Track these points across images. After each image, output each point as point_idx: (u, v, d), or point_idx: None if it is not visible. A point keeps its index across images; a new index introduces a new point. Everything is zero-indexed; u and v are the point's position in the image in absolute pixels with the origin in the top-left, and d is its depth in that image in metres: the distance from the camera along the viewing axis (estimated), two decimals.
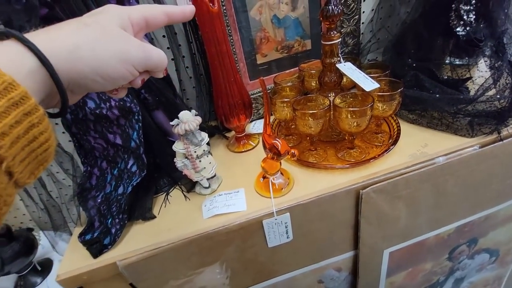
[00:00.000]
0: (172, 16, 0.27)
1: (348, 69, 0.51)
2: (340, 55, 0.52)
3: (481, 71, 0.56)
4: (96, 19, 0.22)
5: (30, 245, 0.67)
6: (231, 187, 0.53)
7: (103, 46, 0.21)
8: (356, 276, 0.63)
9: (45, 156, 0.18)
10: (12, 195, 0.16)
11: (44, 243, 0.76)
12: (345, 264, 0.61)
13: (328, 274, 0.62)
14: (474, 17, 0.52)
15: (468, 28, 0.53)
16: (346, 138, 0.53)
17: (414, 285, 0.71)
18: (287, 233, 0.49)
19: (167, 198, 0.54)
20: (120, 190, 0.49)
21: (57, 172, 0.59)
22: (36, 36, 0.19)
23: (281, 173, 0.51)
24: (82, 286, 0.46)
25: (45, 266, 0.75)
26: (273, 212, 0.46)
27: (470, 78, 0.57)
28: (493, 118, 0.51)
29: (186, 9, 0.28)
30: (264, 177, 0.51)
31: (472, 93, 0.55)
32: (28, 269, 0.69)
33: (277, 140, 0.45)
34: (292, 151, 0.45)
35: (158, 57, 0.25)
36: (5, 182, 0.15)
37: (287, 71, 0.67)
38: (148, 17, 0.25)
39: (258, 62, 0.67)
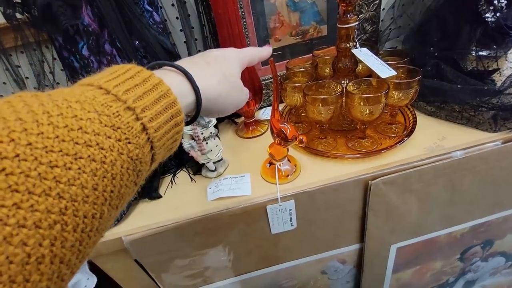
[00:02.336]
0: (261, 58, 0.35)
1: (364, 55, 0.49)
2: (356, 40, 0.50)
3: (510, 62, 0.52)
4: (229, 71, 0.29)
5: None
6: (237, 171, 0.52)
7: (231, 99, 0.29)
8: (360, 270, 0.62)
9: (174, 145, 0.24)
10: (145, 172, 0.21)
11: None
12: (350, 257, 0.60)
13: (332, 266, 0.61)
14: (505, 1, 0.48)
15: (498, 14, 0.49)
16: (358, 127, 0.51)
17: (421, 283, 0.69)
18: (291, 220, 0.49)
19: (173, 179, 0.54)
20: None
21: None
22: (198, 77, 0.25)
23: (288, 160, 0.50)
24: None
25: None
26: (277, 198, 0.46)
27: (498, 69, 0.53)
28: None
29: (266, 52, 0.36)
30: (270, 163, 0.50)
31: (499, 85, 0.51)
32: None
33: (285, 125, 0.43)
34: (300, 137, 0.43)
35: (247, 96, 0.33)
36: (148, 161, 0.21)
37: (301, 57, 0.65)
38: (250, 60, 0.33)
39: (272, 47, 0.65)
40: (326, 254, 0.57)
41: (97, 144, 0.17)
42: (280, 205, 0.46)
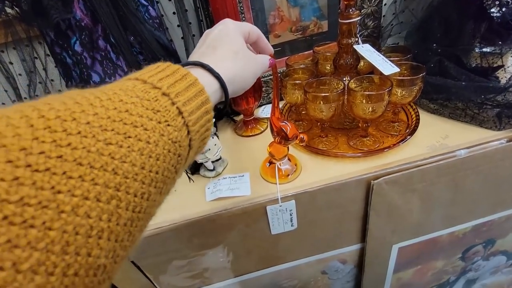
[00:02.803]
0: (259, 39, 0.34)
1: (366, 51, 0.48)
2: (358, 35, 0.48)
3: None
4: (236, 46, 0.29)
5: None
6: (236, 171, 0.51)
7: (248, 72, 0.30)
8: (361, 270, 0.61)
9: (207, 135, 0.25)
10: (185, 158, 0.22)
11: None
12: (351, 257, 0.59)
13: (332, 266, 0.60)
14: None
15: (504, 9, 0.48)
16: (360, 125, 0.50)
17: (422, 283, 0.69)
18: (291, 221, 0.48)
19: None
20: None
21: None
22: (213, 65, 0.27)
23: (289, 159, 0.48)
24: None
25: None
26: (277, 199, 0.45)
27: (502, 66, 0.52)
28: None
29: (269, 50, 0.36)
30: (270, 162, 0.49)
31: (503, 82, 0.50)
32: None
33: (285, 123, 0.42)
34: (301, 135, 0.42)
35: (264, 64, 0.33)
36: (186, 145, 0.22)
37: (301, 54, 0.63)
38: (250, 31, 0.32)
39: (271, 43, 0.63)
40: (326, 254, 0.56)
41: (142, 125, 0.19)
42: (280, 206, 0.45)
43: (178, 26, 0.61)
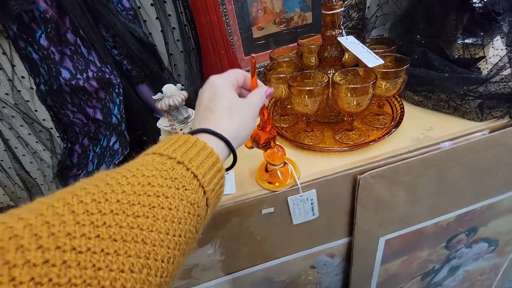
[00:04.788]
0: (246, 79, 0.35)
1: (350, 43, 0.47)
2: (342, 27, 0.47)
3: (497, 49, 0.51)
4: (228, 101, 0.31)
5: None
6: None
7: (246, 121, 0.31)
8: (349, 263, 0.61)
9: (221, 191, 0.28)
10: (204, 217, 0.25)
11: None
12: (339, 250, 0.59)
13: (321, 260, 0.60)
14: None
15: (485, 0, 0.48)
16: (345, 119, 0.49)
17: (409, 272, 0.70)
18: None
19: None
20: (103, 169, 0.46)
21: (36, 142, 0.56)
22: (214, 127, 0.29)
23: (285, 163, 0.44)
24: None
25: None
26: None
27: (484, 57, 0.52)
28: (505, 101, 0.47)
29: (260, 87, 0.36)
30: (267, 170, 0.45)
31: (484, 73, 0.51)
32: None
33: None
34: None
35: (261, 99, 0.34)
36: (204, 205, 0.25)
37: (285, 47, 0.62)
38: (236, 77, 0.34)
39: (255, 36, 0.62)
40: (314, 249, 0.56)
41: (163, 194, 0.21)
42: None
43: (157, 18, 0.58)
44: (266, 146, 0.40)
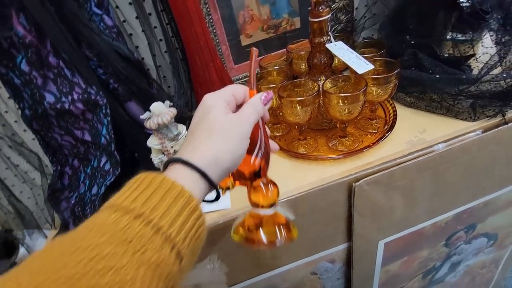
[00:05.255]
0: (247, 95, 0.31)
1: (339, 49, 0.46)
2: (330, 33, 0.47)
3: (486, 47, 0.51)
4: (213, 126, 0.26)
5: (10, 246, 0.64)
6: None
7: (232, 141, 0.26)
8: (350, 267, 0.61)
9: (200, 233, 0.23)
10: (176, 272, 0.21)
11: (29, 241, 0.74)
12: (339, 256, 0.59)
13: (321, 266, 0.60)
14: None
15: None
16: (338, 126, 0.49)
17: (410, 272, 0.70)
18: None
19: None
20: (94, 190, 0.45)
21: (25, 172, 0.55)
22: (189, 155, 0.25)
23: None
24: None
25: None
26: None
27: (474, 55, 0.52)
28: (497, 100, 0.47)
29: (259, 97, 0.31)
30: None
31: (475, 72, 0.50)
32: None
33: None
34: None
35: (254, 110, 0.29)
36: (173, 261, 0.21)
37: (274, 53, 0.61)
38: (233, 93, 0.30)
39: (243, 44, 0.61)
40: (314, 256, 0.56)
41: (112, 267, 0.18)
42: None
43: (143, 31, 0.57)
44: (251, 179, 0.30)
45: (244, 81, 0.63)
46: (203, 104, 0.28)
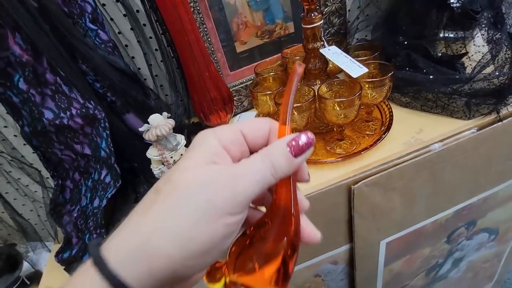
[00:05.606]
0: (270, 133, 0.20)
1: (332, 54, 0.47)
2: (323, 38, 0.47)
3: (478, 46, 0.51)
4: (178, 179, 0.16)
5: (14, 261, 0.65)
6: None
7: (183, 227, 0.15)
8: (353, 268, 0.62)
9: None
10: None
11: (32, 255, 0.74)
12: (341, 257, 0.59)
13: (324, 268, 0.60)
14: None
15: None
16: (335, 129, 0.49)
17: (413, 270, 0.70)
18: None
19: None
20: (96, 203, 0.46)
21: (26, 186, 0.55)
22: (111, 242, 0.16)
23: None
24: None
25: (34, 279, 0.73)
26: None
27: (466, 53, 0.53)
28: (491, 97, 0.47)
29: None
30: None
31: (468, 70, 0.51)
32: (16, 285, 0.67)
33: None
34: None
35: (264, 172, 0.17)
36: None
37: (269, 59, 0.62)
38: (247, 129, 0.19)
39: (238, 50, 0.62)
40: (316, 259, 0.56)
41: None
42: None
43: (138, 42, 0.57)
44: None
45: (241, 87, 0.64)
46: (193, 142, 0.19)
